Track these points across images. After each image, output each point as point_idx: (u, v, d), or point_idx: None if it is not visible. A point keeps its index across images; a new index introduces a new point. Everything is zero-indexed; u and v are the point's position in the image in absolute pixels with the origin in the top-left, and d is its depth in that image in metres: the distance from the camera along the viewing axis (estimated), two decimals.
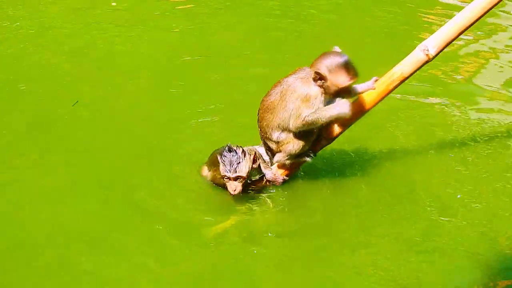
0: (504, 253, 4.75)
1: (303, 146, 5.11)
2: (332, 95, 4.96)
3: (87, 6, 8.46)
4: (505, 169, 5.55)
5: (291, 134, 5.07)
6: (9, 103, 6.33)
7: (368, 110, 5.19)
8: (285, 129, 5.06)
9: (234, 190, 5.07)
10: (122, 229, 4.90)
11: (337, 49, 4.95)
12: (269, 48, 7.52)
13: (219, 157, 5.07)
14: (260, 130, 5.26)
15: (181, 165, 5.48)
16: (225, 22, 8.15)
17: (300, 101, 4.93)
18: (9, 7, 8.38)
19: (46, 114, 6.18)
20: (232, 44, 7.62)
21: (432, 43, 5.06)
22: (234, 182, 5.06)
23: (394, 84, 5.13)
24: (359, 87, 5.05)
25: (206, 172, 5.33)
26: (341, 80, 4.86)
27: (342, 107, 4.91)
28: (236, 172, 5.03)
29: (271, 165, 5.30)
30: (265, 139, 5.25)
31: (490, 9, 4.99)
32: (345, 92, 4.97)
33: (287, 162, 5.20)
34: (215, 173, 5.18)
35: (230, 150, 5.07)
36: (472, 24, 5.01)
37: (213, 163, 5.22)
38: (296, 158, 5.19)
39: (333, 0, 8.81)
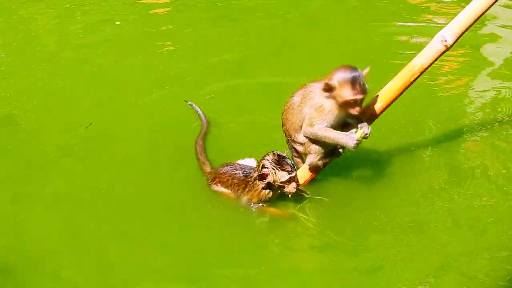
0: None
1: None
2: (344, 112, 5.03)
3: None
4: None
5: None
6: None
7: (392, 102, 5.26)
8: None
9: (295, 187, 5.04)
10: None
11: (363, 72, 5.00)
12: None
13: (272, 166, 4.98)
14: (285, 134, 5.31)
15: None
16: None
17: (314, 109, 5.05)
18: None
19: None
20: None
21: (449, 33, 5.14)
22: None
23: (415, 76, 5.20)
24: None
25: (238, 196, 5.21)
26: (346, 93, 4.93)
27: (349, 140, 4.96)
28: (295, 169, 5.04)
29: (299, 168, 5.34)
30: (291, 143, 5.30)
31: None
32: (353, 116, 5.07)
33: (320, 162, 5.23)
34: (257, 188, 5.08)
35: (279, 156, 5.02)
36: (487, 9, 5.12)
37: (243, 182, 5.15)
38: (327, 157, 5.24)
39: None
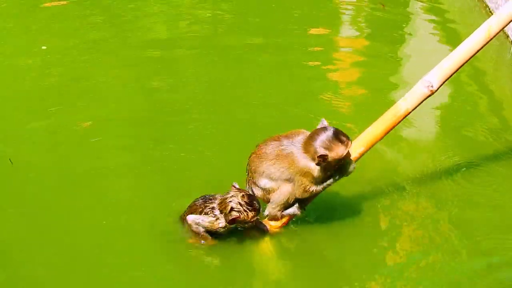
0: None
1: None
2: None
3: None
4: None
5: (279, 182, 4.93)
6: None
7: (373, 145, 5.13)
8: (272, 180, 4.93)
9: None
10: None
11: (323, 121, 4.89)
12: None
13: (244, 209, 4.83)
14: (248, 173, 5.06)
15: None
16: None
17: (303, 176, 4.86)
18: None
19: None
20: None
21: (435, 78, 5.04)
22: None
23: (400, 119, 5.11)
24: None
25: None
26: (340, 151, 4.78)
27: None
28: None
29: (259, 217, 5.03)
30: (251, 184, 5.04)
31: (491, 39, 5.03)
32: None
33: (279, 213, 5.02)
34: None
35: (248, 196, 4.91)
36: (475, 53, 5.04)
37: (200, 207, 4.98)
38: (288, 210, 5.03)
39: None
